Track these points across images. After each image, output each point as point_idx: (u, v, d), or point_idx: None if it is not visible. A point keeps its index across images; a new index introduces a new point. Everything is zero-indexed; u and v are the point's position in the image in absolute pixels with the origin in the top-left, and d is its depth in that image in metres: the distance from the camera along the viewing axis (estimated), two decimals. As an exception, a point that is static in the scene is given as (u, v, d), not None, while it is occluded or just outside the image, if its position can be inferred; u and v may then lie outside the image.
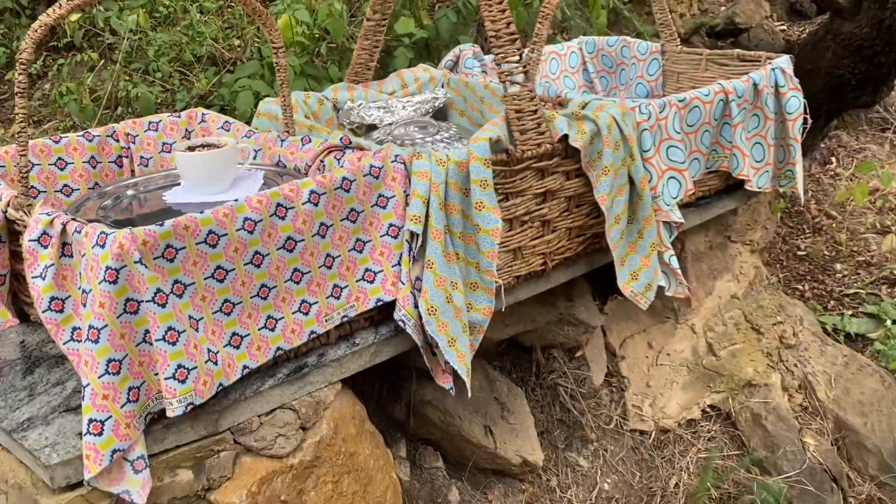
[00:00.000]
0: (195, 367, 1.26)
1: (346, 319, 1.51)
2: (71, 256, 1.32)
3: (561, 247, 1.84)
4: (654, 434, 2.27)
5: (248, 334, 1.38)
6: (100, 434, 1.20)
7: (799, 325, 2.55)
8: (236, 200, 1.34)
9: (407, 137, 1.99)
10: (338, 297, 1.49)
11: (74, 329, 1.33)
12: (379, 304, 1.53)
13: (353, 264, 1.51)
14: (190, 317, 1.29)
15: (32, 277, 1.34)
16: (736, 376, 2.38)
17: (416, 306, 1.52)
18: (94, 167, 1.81)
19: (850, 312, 2.90)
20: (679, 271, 1.94)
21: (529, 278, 1.82)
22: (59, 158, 1.76)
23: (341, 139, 1.65)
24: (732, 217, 2.45)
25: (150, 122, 1.90)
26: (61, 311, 1.33)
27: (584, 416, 2.20)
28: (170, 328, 1.24)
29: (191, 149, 1.62)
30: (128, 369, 1.23)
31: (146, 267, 1.23)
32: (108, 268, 1.20)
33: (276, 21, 2.44)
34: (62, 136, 1.77)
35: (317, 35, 2.79)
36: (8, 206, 1.42)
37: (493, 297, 1.63)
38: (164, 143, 1.91)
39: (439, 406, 1.95)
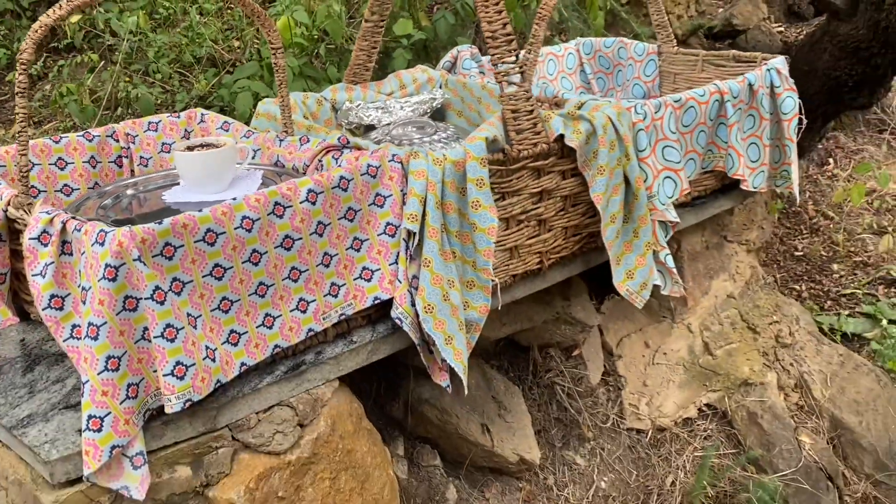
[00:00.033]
0: (193, 364, 1.28)
1: (343, 317, 1.53)
2: (71, 254, 1.34)
3: (557, 246, 1.86)
4: (650, 433, 2.28)
5: (246, 332, 1.39)
6: (99, 430, 1.21)
7: (795, 325, 2.57)
8: (234, 199, 1.36)
9: (405, 137, 2.00)
10: (335, 296, 1.51)
11: (74, 326, 1.34)
12: (376, 302, 1.55)
13: (350, 263, 1.52)
14: (188, 314, 1.30)
15: (32, 275, 1.35)
16: (732, 375, 2.39)
17: (413, 304, 1.54)
18: (93, 167, 1.82)
19: (846, 312, 2.91)
20: (675, 270, 1.96)
21: (526, 277, 1.83)
22: (60, 158, 1.77)
23: (339, 139, 1.67)
24: (729, 217, 2.47)
25: (149, 123, 1.92)
26: (61, 308, 1.35)
27: (580, 415, 2.22)
28: (168, 325, 1.25)
29: (190, 149, 1.63)
30: (127, 366, 1.25)
31: (145, 265, 1.24)
32: (107, 265, 1.21)
33: (275, 22, 2.46)
34: (62, 136, 1.79)
35: (315, 36, 2.81)
36: (8, 204, 1.44)
37: (489, 296, 1.64)
38: (163, 144, 1.92)
39: (437, 404, 1.96)
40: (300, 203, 1.42)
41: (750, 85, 2.13)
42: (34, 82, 3.11)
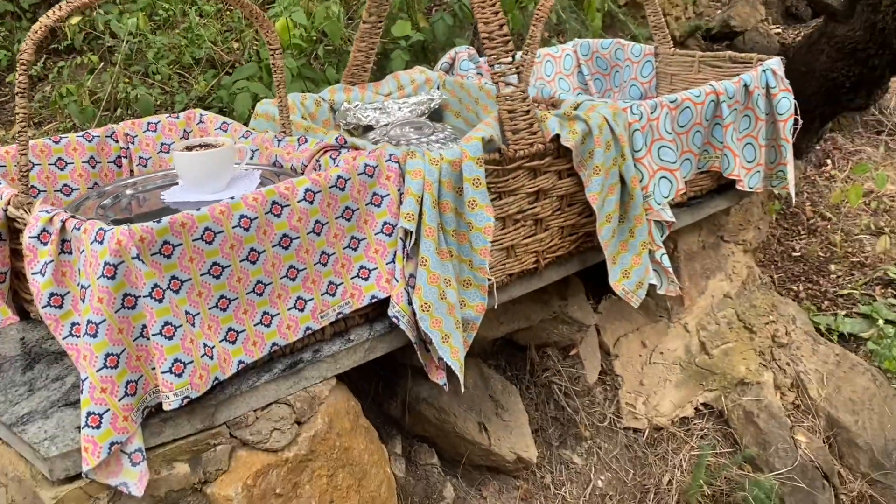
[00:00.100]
0: (191, 362, 1.29)
1: (340, 316, 1.54)
2: (70, 253, 1.35)
3: (553, 245, 1.87)
4: (647, 432, 2.29)
5: (244, 330, 1.40)
6: (98, 427, 1.22)
7: (791, 325, 2.58)
8: (232, 198, 1.37)
9: (402, 138, 2.01)
10: (333, 294, 1.52)
11: (73, 324, 1.35)
12: (373, 300, 1.56)
13: (347, 262, 1.54)
14: (186, 312, 1.31)
15: (32, 274, 1.36)
16: (728, 375, 2.40)
17: (410, 303, 1.55)
18: (93, 167, 1.83)
19: (843, 313, 2.92)
20: (670, 270, 1.97)
21: (522, 276, 1.84)
22: (59, 158, 1.78)
23: (337, 139, 1.68)
24: (725, 217, 2.48)
25: (148, 123, 1.93)
26: (60, 306, 1.36)
27: (578, 414, 2.23)
28: (166, 323, 1.26)
29: (189, 149, 1.64)
30: (125, 363, 1.26)
31: (144, 263, 1.25)
32: (106, 263, 1.23)
33: (274, 24, 2.47)
34: (62, 136, 1.80)
35: (314, 37, 2.82)
36: (8, 204, 1.45)
37: (485, 295, 1.66)
38: (162, 144, 1.93)
39: (434, 403, 1.97)
40: (298, 202, 1.43)
41: (745, 86, 2.14)
42: (34, 83, 3.12)
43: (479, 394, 2.04)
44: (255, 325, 1.42)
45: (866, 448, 2.40)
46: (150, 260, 1.27)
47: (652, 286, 1.95)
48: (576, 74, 2.71)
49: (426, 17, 3.00)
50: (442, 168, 1.58)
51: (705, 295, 2.45)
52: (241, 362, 1.39)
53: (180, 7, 3.19)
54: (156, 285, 1.26)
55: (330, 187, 1.47)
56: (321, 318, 1.50)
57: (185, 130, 1.97)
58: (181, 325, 1.28)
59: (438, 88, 2.32)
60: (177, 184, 1.72)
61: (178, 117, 1.97)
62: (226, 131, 1.91)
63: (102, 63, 3.05)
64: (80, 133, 1.83)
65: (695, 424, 2.35)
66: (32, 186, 1.74)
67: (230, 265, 1.36)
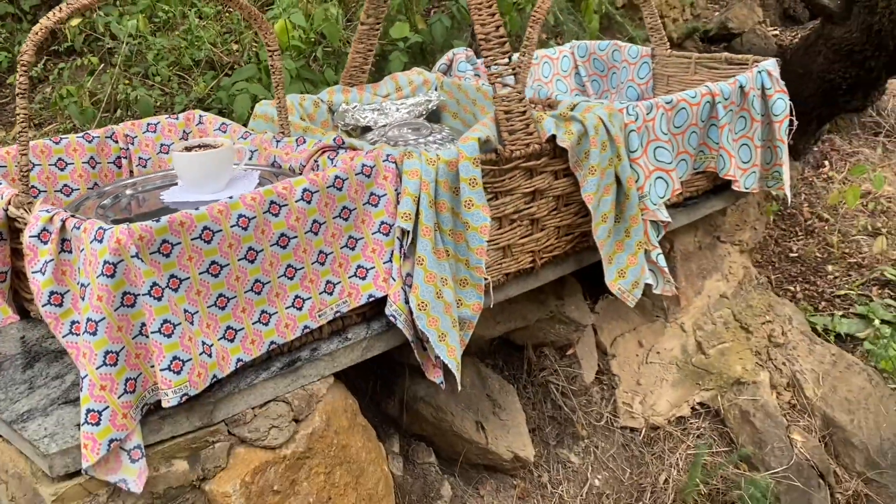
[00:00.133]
0: (190, 359, 1.30)
1: (338, 315, 1.55)
2: (70, 252, 1.36)
3: (550, 245, 1.88)
4: (644, 431, 2.30)
5: (242, 328, 1.41)
6: (97, 424, 1.23)
7: (787, 325, 2.59)
8: (231, 198, 1.38)
9: (400, 139, 2.02)
10: (330, 293, 1.53)
11: (73, 322, 1.37)
12: (371, 299, 1.57)
13: (345, 261, 1.55)
14: (185, 310, 1.32)
15: (32, 272, 1.38)
16: (725, 374, 2.41)
17: (407, 302, 1.56)
18: (93, 167, 1.85)
19: (840, 313, 2.94)
20: (666, 269, 1.98)
21: (519, 276, 1.86)
22: (60, 159, 1.80)
23: (335, 139, 1.69)
24: (721, 217, 2.49)
25: (148, 124, 1.94)
26: (60, 305, 1.37)
27: (575, 414, 2.24)
28: (165, 321, 1.28)
29: (188, 149, 1.66)
30: (125, 361, 1.27)
31: (143, 261, 1.27)
32: (105, 262, 1.24)
33: (273, 25, 2.49)
34: (62, 137, 1.81)
35: (313, 39, 2.83)
36: (9, 204, 1.46)
37: (482, 294, 1.67)
38: (161, 144, 1.95)
39: (432, 402, 1.98)
40: (296, 202, 1.44)
41: (741, 87, 2.15)
42: (35, 85, 3.13)
43: (476, 393, 2.05)
44: (253, 324, 1.43)
45: (862, 447, 2.41)
46: (149, 259, 1.28)
47: (648, 286, 1.96)
48: (573, 76, 2.72)
49: (424, 18, 3.02)
50: (439, 168, 1.59)
51: (702, 295, 2.47)
52: (239, 360, 1.41)
53: (180, 9, 3.20)
54: (155, 284, 1.27)
55: (328, 187, 1.49)
56: (319, 316, 1.51)
57: (184, 131, 1.98)
58: (180, 324, 1.30)
59: (436, 90, 2.34)
60: (176, 184, 1.74)
61: (177, 118, 1.98)
62: (225, 132, 1.92)
63: (102, 64, 3.06)
64: (81, 134, 1.84)
65: (691, 424, 2.36)
66: (33, 186, 1.76)
67: (228, 264, 1.38)
